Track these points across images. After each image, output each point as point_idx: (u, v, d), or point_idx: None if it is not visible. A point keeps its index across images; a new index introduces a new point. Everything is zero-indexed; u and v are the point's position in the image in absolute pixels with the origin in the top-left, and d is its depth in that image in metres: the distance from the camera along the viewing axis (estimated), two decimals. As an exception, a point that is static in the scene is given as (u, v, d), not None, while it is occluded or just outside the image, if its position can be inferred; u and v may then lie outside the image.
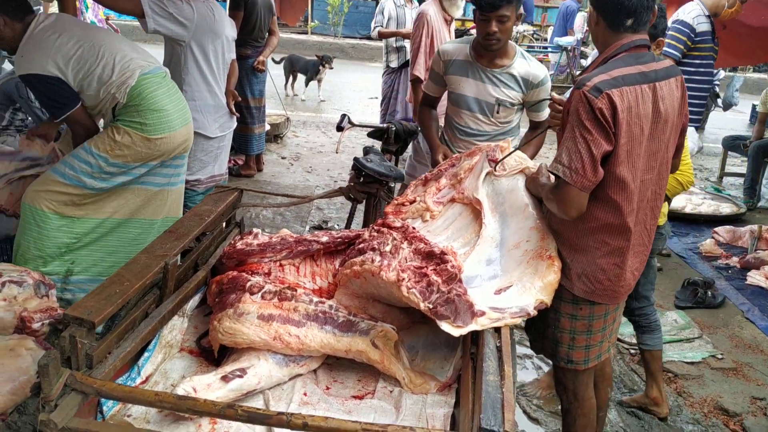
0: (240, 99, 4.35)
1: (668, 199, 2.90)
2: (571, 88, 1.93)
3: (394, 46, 6.21)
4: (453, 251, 1.99)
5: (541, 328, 2.15)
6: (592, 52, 8.10)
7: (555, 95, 2.10)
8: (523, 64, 2.83)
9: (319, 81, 9.42)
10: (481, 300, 1.82)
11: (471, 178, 2.25)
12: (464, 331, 1.71)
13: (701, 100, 4.56)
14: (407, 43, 6.20)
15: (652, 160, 1.94)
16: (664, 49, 4.30)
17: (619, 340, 3.52)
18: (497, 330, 1.74)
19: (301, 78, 9.52)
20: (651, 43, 2.03)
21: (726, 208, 5.76)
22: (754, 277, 4.43)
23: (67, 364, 1.55)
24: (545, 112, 2.98)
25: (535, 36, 12.17)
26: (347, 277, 1.99)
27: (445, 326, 1.72)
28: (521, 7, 2.80)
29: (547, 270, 1.94)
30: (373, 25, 6.25)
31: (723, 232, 5.12)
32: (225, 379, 1.71)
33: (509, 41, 2.81)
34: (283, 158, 6.59)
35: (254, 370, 1.77)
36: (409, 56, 6.23)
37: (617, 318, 2.20)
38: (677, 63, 4.23)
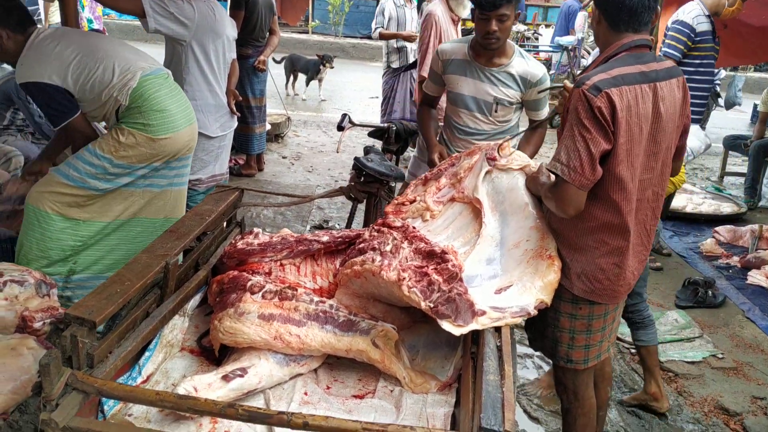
0: (241, 98, 4.36)
1: None
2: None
3: (395, 46, 6.21)
4: (453, 250, 1.99)
5: (540, 328, 2.15)
6: (593, 51, 8.10)
7: (567, 83, 2.09)
8: (522, 63, 2.84)
9: (320, 80, 9.43)
10: (482, 299, 1.82)
11: (471, 178, 2.25)
12: (465, 330, 1.71)
13: (702, 99, 4.55)
14: (408, 44, 6.21)
15: (652, 160, 1.94)
16: (664, 49, 4.30)
17: (619, 339, 3.52)
18: (498, 329, 1.74)
19: (301, 77, 9.52)
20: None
21: (727, 208, 5.76)
22: (755, 277, 4.42)
23: (69, 363, 1.55)
24: (545, 111, 2.99)
25: (535, 36, 12.16)
26: (348, 276, 1.99)
27: (445, 325, 1.72)
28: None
29: (548, 269, 1.94)
30: (373, 26, 6.25)
31: (724, 231, 5.12)
32: (226, 378, 1.71)
33: (507, 40, 2.82)
34: (283, 158, 6.60)
35: (255, 370, 1.77)
36: (409, 57, 6.24)
37: (617, 318, 2.20)
38: (678, 63, 4.22)
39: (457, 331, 1.71)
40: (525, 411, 2.93)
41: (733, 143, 6.68)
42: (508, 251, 2.04)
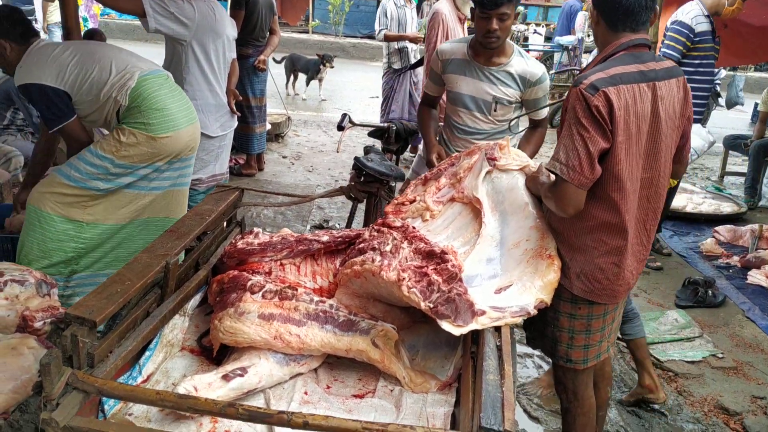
0: (241, 98, 4.36)
1: None
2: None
3: (396, 48, 6.21)
4: (453, 250, 1.99)
5: (540, 327, 2.16)
6: (594, 51, 8.09)
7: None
8: (521, 62, 2.84)
9: (320, 80, 9.43)
10: (482, 299, 1.82)
11: (470, 177, 2.25)
12: (465, 330, 1.71)
13: (702, 99, 4.55)
14: (409, 45, 6.21)
15: (651, 160, 1.94)
16: (663, 50, 4.29)
17: (619, 339, 3.52)
18: (497, 329, 1.74)
19: (302, 77, 9.53)
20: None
21: (727, 208, 5.77)
22: (755, 277, 4.43)
23: (69, 362, 1.55)
24: (545, 110, 2.99)
25: (524, 36, 12.18)
26: (348, 276, 2.00)
27: (445, 325, 1.73)
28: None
29: (547, 269, 1.94)
30: (377, 27, 6.24)
31: (724, 231, 5.12)
32: (226, 378, 1.71)
33: (507, 40, 2.82)
34: (284, 157, 6.60)
35: (255, 369, 1.77)
36: (410, 57, 6.24)
37: (617, 318, 2.20)
38: (677, 63, 4.22)
39: (456, 331, 1.71)
40: (525, 410, 2.94)
41: (734, 143, 6.69)
42: (507, 251, 2.04)
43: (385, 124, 3.56)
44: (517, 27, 11.72)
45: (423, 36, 5.72)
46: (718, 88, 8.28)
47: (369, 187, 3.07)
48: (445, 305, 1.74)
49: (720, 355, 3.49)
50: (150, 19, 3.34)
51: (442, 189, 2.33)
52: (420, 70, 6.11)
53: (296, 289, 1.96)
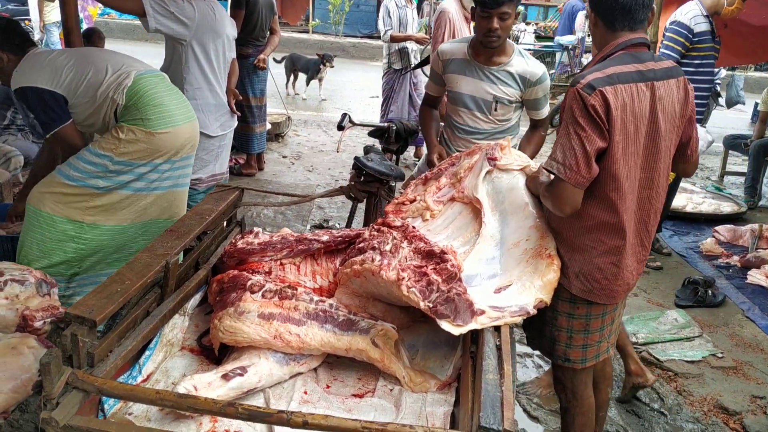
0: (241, 98, 4.37)
1: None
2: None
3: (397, 48, 6.21)
4: (453, 250, 2.00)
5: (539, 326, 2.16)
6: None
7: None
8: (521, 62, 2.84)
9: (320, 80, 9.43)
10: (481, 299, 1.82)
11: (471, 177, 2.25)
12: (464, 329, 1.71)
13: (702, 99, 4.55)
14: (410, 45, 6.21)
15: (650, 160, 1.94)
16: (662, 51, 4.29)
17: (619, 338, 3.52)
18: (497, 329, 1.74)
19: (302, 77, 9.53)
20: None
21: (727, 207, 5.77)
22: (755, 276, 4.43)
23: (69, 362, 1.55)
24: (545, 110, 2.99)
25: (515, 35, 12.17)
26: (347, 276, 2.00)
27: (445, 325, 1.73)
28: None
29: (547, 269, 1.94)
30: (383, 27, 6.21)
31: (724, 231, 5.12)
32: (226, 377, 1.71)
33: (507, 39, 2.82)
34: (284, 157, 6.60)
35: (255, 369, 1.78)
36: (411, 58, 6.24)
37: (616, 319, 2.20)
38: (676, 63, 4.21)
39: (456, 330, 1.71)
40: (524, 410, 2.94)
41: (734, 143, 6.69)
42: (507, 251, 2.05)
43: (385, 124, 3.56)
44: (518, 26, 11.72)
45: (429, 37, 5.72)
46: (718, 88, 8.28)
47: (369, 187, 3.07)
48: (444, 305, 1.74)
49: (720, 355, 3.49)
50: (150, 18, 3.35)
51: (442, 189, 2.34)
52: (420, 71, 6.12)
53: (296, 289, 1.96)
